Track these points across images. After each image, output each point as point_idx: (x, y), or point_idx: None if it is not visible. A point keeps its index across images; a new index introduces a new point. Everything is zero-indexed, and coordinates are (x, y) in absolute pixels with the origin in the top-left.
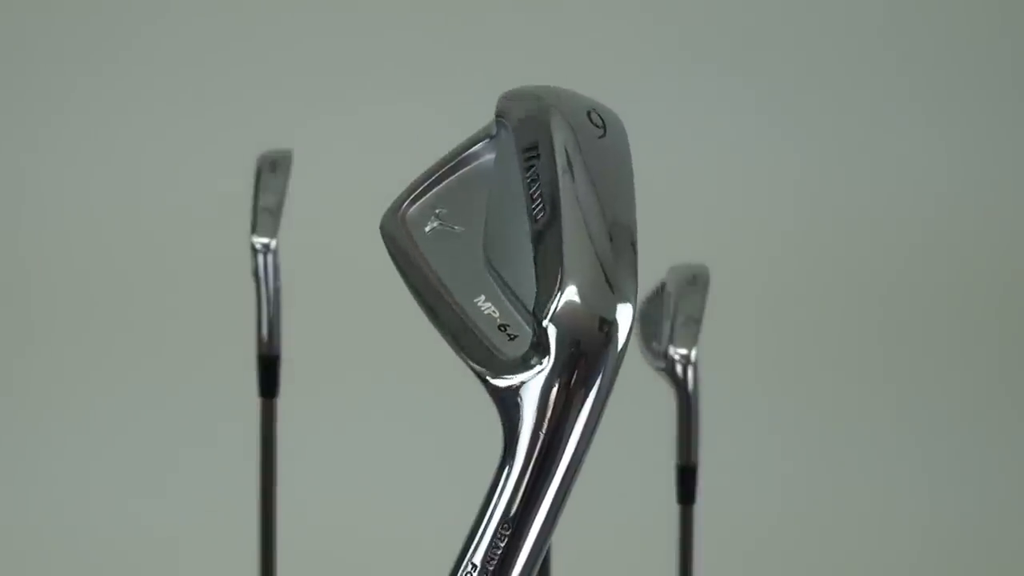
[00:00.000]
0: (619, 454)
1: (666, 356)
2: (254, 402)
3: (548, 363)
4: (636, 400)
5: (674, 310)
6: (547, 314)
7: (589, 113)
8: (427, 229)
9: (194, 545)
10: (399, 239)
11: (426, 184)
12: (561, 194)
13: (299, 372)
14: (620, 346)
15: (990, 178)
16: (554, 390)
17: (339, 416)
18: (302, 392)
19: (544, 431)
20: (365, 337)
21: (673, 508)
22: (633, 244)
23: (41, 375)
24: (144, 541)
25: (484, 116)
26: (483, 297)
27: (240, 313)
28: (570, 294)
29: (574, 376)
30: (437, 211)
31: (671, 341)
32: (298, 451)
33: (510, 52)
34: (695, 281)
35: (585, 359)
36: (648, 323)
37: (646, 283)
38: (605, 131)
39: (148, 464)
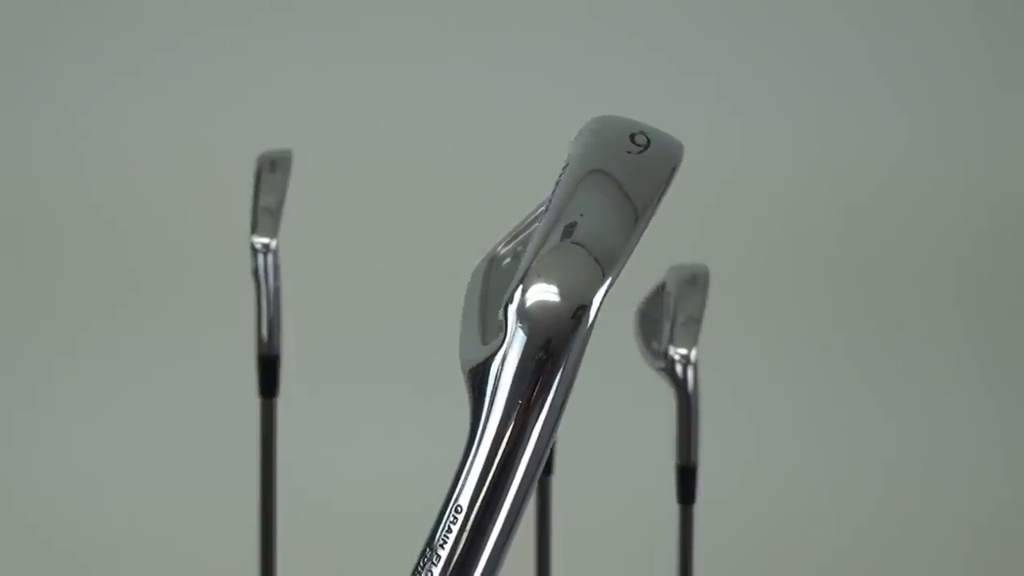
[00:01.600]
0: (619, 454)
1: (666, 356)
2: (254, 402)
3: (504, 344)
4: (636, 400)
5: (674, 310)
6: (509, 299)
7: (633, 135)
8: (505, 263)
9: (194, 544)
10: (477, 272)
11: (520, 227)
12: (561, 198)
13: (299, 372)
14: (587, 329)
15: (993, 178)
16: (515, 374)
17: (339, 416)
18: (302, 392)
19: (505, 415)
20: (365, 337)
21: (673, 508)
22: (634, 238)
23: (40, 375)
24: (144, 540)
25: (483, 117)
26: None
27: (240, 313)
28: (532, 283)
29: (537, 363)
30: (518, 249)
31: (671, 341)
32: (298, 451)
33: (508, 53)
34: (695, 281)
35: (550, 353)
36: (648, 323)
37: (646, 283)
38: (646, 149)
39: (148, 463)
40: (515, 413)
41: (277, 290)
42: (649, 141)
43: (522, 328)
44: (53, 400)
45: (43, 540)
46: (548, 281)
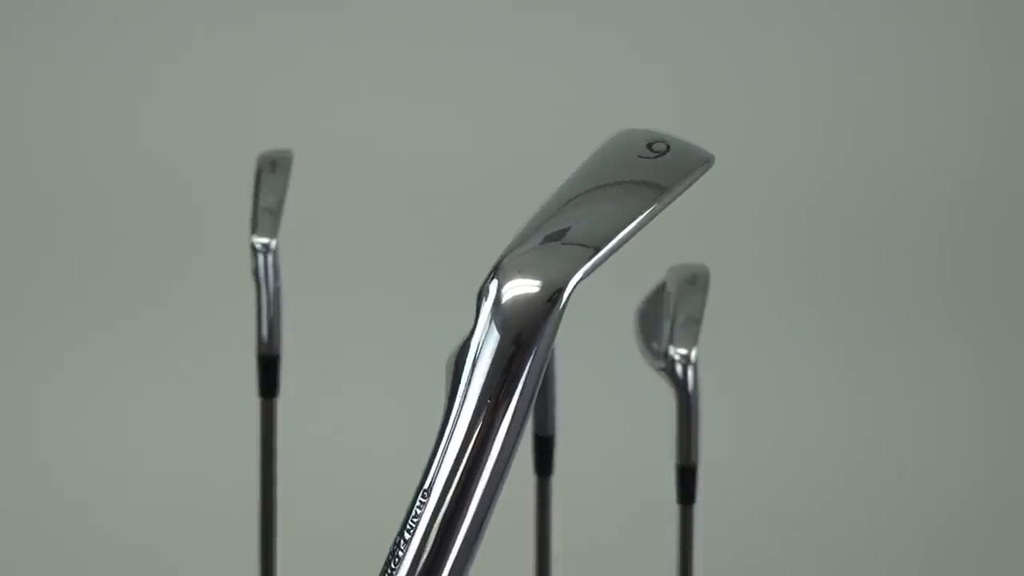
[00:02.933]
0: (619, 454)
1: (666, 356)
2: (254, 402)
3: (476, 335)
4: (636, 400)
5: (674, 310)
6: (483, 292)
7: (652, 144)
8: None
9: (193, 545)
10: None
11: None
12: (552, 202)
13: (299, 372)
14: (557, 318)
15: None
16: (488, 369)
17: (339, 416)
18: (302, 392)
19: (476, 410)
20: (365, 337)
21: (673, 508)
22: (617, 235)
23: (40, 374)
24: (143, 541)
25: (487, 117)
26: None
27: (240, 313)
28: (506, 277)
29: (508, 359)
30: None
31: (671, 341)
32: (298, 451)
33: (510, 53)
34: (695, 281)
35: (520, 346)
36: (648, 323)
37: (646, 283)
38: (663, 155)
39: (147, 464)
40: (485, 410)
41: (277, 290)
42: (669, 148)
43: (495, 323)
44: (50, 399)
45: (41, 540)
46: (523, 276)
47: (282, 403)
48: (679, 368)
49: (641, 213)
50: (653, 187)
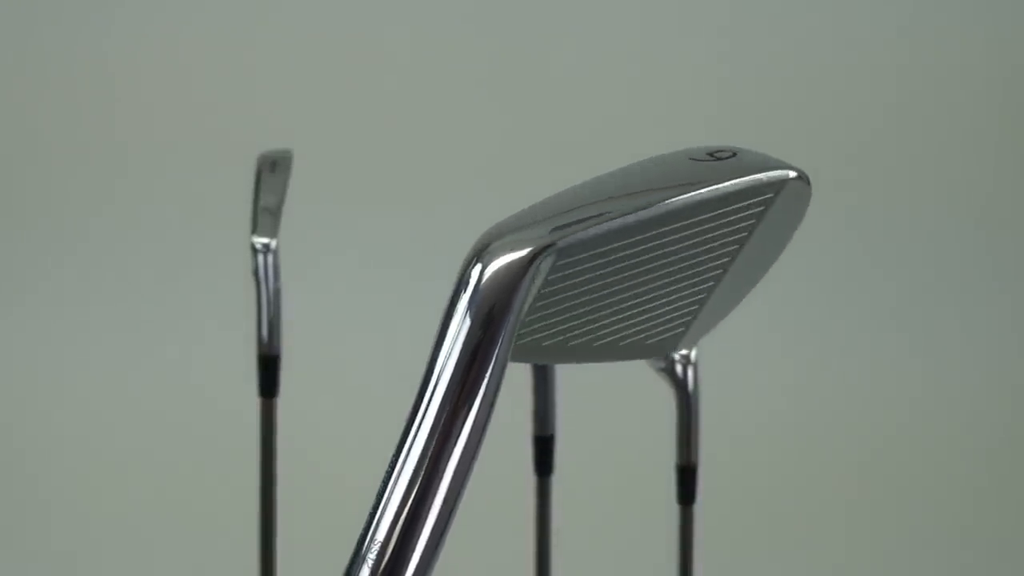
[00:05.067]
0: (619, 454)
1: (666, 356)
2: (254, 402)
3: (452, 318)
4: (636, 400)
5: None
6: (464, 280)
7: (716, 152)
8: None
9: (194, 545)
10: None
11: None
12: (564, 195)
13: (299, 372)
14: (520, 304)
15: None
16: (456, 360)
17: (339, 416)
18: (302, 392)
19: (443, 399)
20: (365, 337)
21: (673, 508)
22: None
23: (40, 374)
24: (144, 540)
25: (485, 116)
26: None
27: (240, 313)
28: (485, 260)
29: (471, 352)
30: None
31: None
32: (298, 451)
33: (510, 51)
34: None
35: (486, 333)
36: None
37: None
38: (720, 162)
39: (148, 464)
40: (450, 405)
41: (277, 290)
42: (734, 155)
43: (469, 313)
44: (50, 399)
45: (42, 540)
46: (504, 241)
47: (282, 403)
48: (679, 368)
49: (654, 203)
50: (685, 185)
